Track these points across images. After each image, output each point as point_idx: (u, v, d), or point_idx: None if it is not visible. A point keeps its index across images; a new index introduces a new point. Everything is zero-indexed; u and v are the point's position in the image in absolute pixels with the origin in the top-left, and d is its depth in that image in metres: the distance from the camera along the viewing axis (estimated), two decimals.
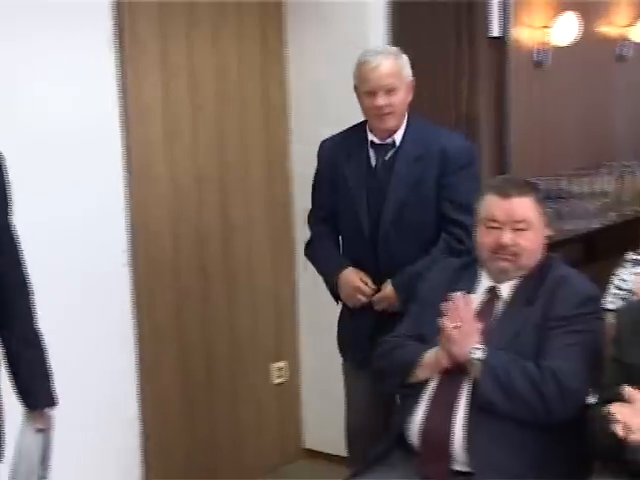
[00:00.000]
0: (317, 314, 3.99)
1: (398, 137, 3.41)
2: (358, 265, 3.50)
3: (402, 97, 3.35)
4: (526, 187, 2.91)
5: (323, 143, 3.65)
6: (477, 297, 2.89)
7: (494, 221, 2.85)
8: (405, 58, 3.40)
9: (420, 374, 2.82)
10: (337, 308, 3.69)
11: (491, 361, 2.67)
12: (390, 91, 3.31)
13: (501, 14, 3.87)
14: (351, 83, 3.44)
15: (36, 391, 2.59)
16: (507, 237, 2.82)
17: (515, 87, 4.04)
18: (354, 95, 3.44)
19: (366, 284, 3.45)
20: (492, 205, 2.87)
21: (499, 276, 2.89)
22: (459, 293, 2.76)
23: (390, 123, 3.36)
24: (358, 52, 3.47)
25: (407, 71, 3.39)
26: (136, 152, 3.99)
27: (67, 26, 3.67)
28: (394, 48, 3.47)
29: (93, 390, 3.83)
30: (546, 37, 4.44)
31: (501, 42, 3.90)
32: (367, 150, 3.46)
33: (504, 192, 2.85)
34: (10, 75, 3.51)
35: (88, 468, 3.82)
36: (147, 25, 3.99)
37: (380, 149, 3.43)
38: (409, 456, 2.82)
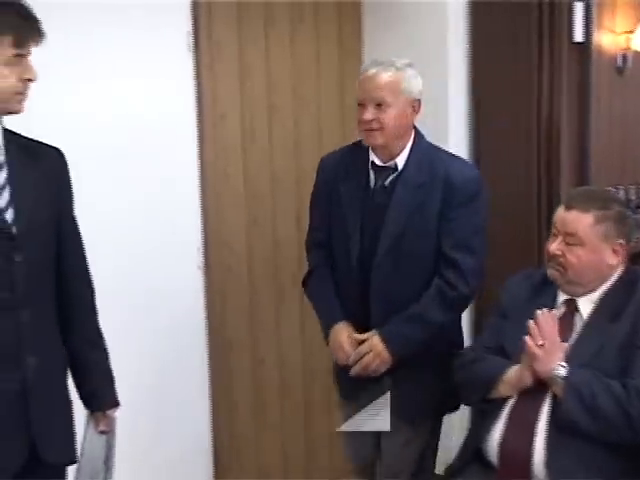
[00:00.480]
0: None
1: (400, 161, 3.08)
2: (345, 303, 3.19)
3: (394, 115, 3.00)
4: (595, 203, 2.79)
5: (323, 162, 3.33)
6: (556, 310, 2.82)
7: (555, 228, 2.83)
8: (411, 73, 3.04)
9: (502, 391, 2.76)
10: None
11: (574, 379, 2.59)
12: (380, 105, 2.98)
13: (584, 18, 3.75)
14: (428, 84, 3.30)
15: (101, 393, 2.60)
16: (553, 246, 2.80)
17: (596, 93, 3.91)
18: (431, 98, 3.28)
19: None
20: (557, 213, 2.85)
21: (562, 287, 2.84)
22: (544, 310, 2.69)
23: (377, 141, 3.02)
24: (437, 53, 3.36)
25: (409, 87, 3.03)
26: (211, 154, 3.99)
27: (146, 27, 3.68)
28: (403, 61, 3.06)
29: (164, 393, 3.84)
30: (628, 42, 4.31)
31: (584, 47, 3.78)
32: (367, 171, 3.13)
33: (568, 202, 2.82)
34: (89, 77, 3.53)
35: (159, 472, 3.84)
36: (224, 26, 3.99)
37: (381, 172, 3.10)
38: (487, 471, 2.77)
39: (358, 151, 3.17)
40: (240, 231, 4.15)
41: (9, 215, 2.32)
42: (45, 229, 2.42)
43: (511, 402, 2.74)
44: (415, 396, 3.13)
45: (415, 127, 3.15)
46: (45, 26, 2.32)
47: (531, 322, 2.65)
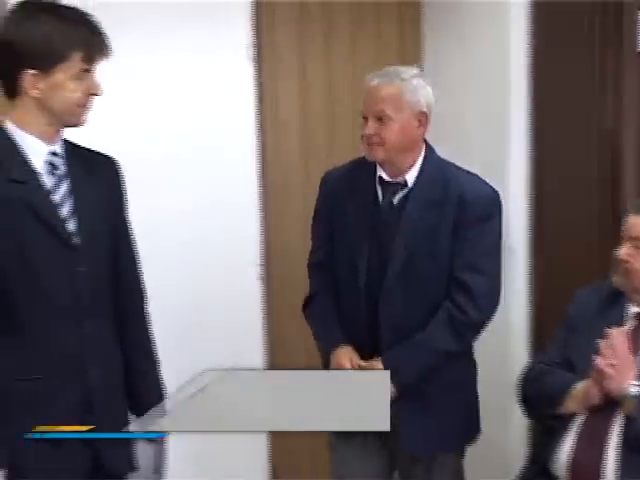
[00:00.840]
0: None
1: (410, 177, 2.82)
2: (351, 327, 2.89)
3: (396, 129, 2.75)
4: None
5: (326, 176, 3.05)
6: (626, 324, 2.70)
7: (623, 233, 2.73)
8: (417, 84, 2.78)
9: (569, 406, 2.63)
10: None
11: None
12: (381, 119, 2.74)
13: None
14: (488, 85, 3.18)
15: (150, 401, 2.53)
16: (620, 251, 2.69)
17: None
18: (491, 98, 3.13)
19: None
20: (627, 219, 2.74)
21: (629, 296, 2.72)
22: (614, 329, 2.57)
23: (379, 156, 2.78)
24: (498, 54, 3.26)
25: (414, 99, 2.76)
26: (271, 166, 3.96)
27: (207, 33, 3.67)
28: (411, 71, 2.82)
29: None
30: None
31: None
32: (374, 187, 2.86)
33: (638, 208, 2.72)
34: (149, 86, 3.56)
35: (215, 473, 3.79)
36: (285, 39, 3.96)
37: (389, 188, 2.84)
38: None
39: (364, 166, 2.90)
40: (298, 241, 4.06)
41: (72, 225, 2.30)
42: (104, 238, 2.40)
43: (581, 418, 2.63)
44: (431, 431, 2.86)
45: (425, 141, 2.90)
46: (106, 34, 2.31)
47: (602, 340, 2.53)
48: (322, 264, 3.02)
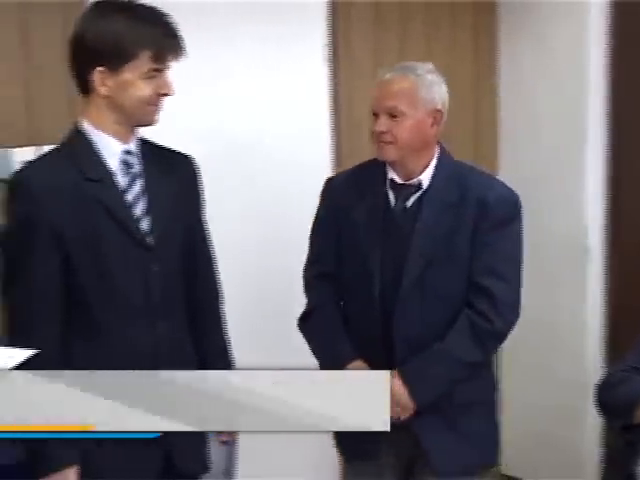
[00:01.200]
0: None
1: (425, 178, 2.56)
2: (363, 342, 2.60)
3: (409, 127, 2.50)
4: None
5: (329, 181, 2.80)
6: None
7: None
8: (432, 80, 2.54)
9: None
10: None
11: None
12: (394, 117, 2.49)
13: None
14: (569, 91, 3.04)
15: None
16: None
17: None
18: (572, 108, 2.99)
19: None
20: None
21: None
22: None
23: (390, 155, 2.52)
24: (576, 53, 3.14)
25: (429, 96, 2.52)
26: (346, 166, 3.73)
27: (284, 36, 3.59)
28: (426, 66, 2.56)
29: None
30: None
31: None
32: (385, 191, 2.60)
33: None
34: (226, 85, 3.48)
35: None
36: (360, 39, 3.83)
37: (401, 191, 2.58)
38: None
39: (374, 168, 2.65)
40: None
41: (145, 224, 2.23)
42: (178, 238, 2.33)
43: None
44: (452, 449, 2.59)
45: (439, 141, 2.66)
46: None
47: None
48: (326, 275, 2.73)
